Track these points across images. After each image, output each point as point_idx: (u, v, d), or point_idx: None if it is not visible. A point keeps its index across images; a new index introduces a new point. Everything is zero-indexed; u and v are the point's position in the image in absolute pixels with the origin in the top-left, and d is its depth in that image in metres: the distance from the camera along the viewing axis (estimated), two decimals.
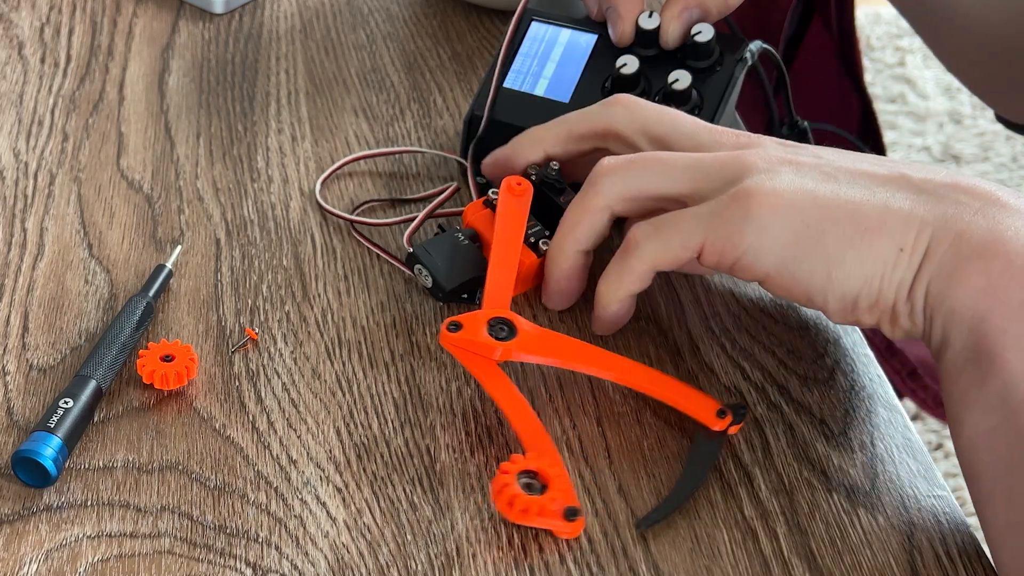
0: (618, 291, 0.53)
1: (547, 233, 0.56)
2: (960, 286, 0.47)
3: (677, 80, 0.60)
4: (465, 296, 0.57)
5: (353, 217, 0.61)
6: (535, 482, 0.48)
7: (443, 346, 0.52)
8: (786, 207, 0.49)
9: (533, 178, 0.57)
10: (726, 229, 0.49)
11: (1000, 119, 0.82)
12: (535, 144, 0.58)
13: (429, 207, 0.61)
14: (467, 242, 0.57)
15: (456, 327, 0.51)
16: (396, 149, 0.66)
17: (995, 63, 0.76)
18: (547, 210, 0.57)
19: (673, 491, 0.49)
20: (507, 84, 0.64)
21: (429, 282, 0.56)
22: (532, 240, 0.56)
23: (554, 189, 0.57)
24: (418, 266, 0.56)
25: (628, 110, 0.56)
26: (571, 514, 0.46)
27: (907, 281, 0.48)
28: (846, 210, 0.48)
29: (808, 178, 0.50)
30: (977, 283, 0.46)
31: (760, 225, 0.49)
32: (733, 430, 0.51)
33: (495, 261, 0.55)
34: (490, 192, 0.58)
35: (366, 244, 0.60)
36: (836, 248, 0.48)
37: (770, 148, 0.52)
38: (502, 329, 0.52)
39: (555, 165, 0.57)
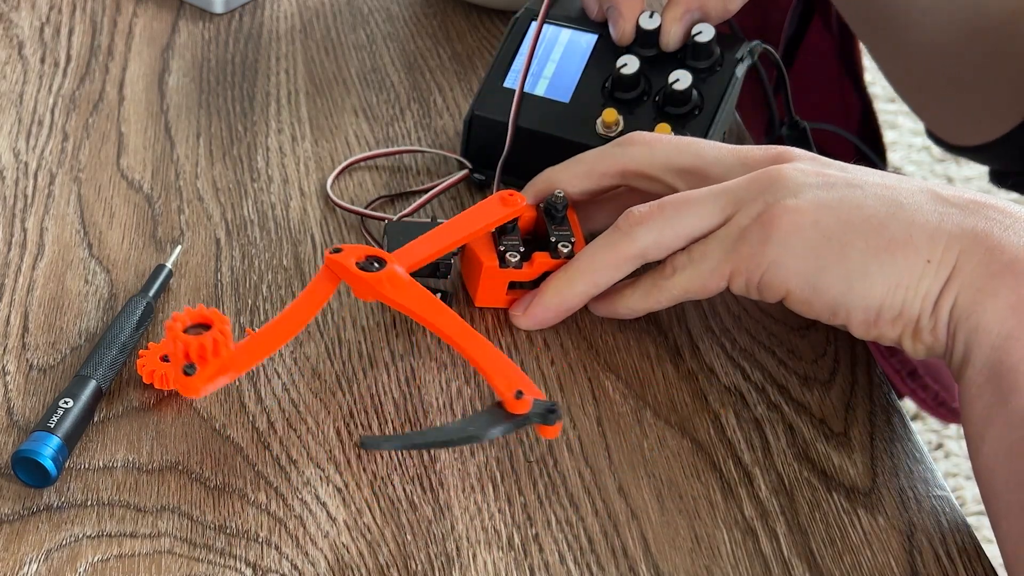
0: (640, 307, 0.54)
1: (521, 250, 0.55)
2: (988, 302, 0.46)
3: (678, 80, 0.60)
4: (440, 294, 0.56)
5: (366, 211, 0.61)
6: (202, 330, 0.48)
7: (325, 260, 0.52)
8: (809, 224, 0.49)
9: (542, 205, 0.57)
10: (749, 250, 0.49)
11: (931, 135, 0.82)
12: (550, 187, 0.57)
13: (437, 189, 0.61)
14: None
15: (337, 251, 0.52)
16: (397, 149, 0.66)
17: (935, 80, 0.77)
18: (542, 234, 0.57)
19: (425, 431, 0.49)
20: (507, 84, 0.64)
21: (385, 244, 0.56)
22: (501, 249, 0.55)
23: (552, 217, 0.56)
24: (386, 240, 0.56)
25: (647, 147, 0.55)
26: (188, 369, 0.47)
27: (933, 294, 0.47)
28: (871, 223, 0.48)
29: (832, 193, 0.49)
30: (1006, 300, 0.46)
31: (782, 242, 0.49)
32: (548, 434, 0.49)
33: (432, 233, 0.55)
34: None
35: (374, 243, 0.60)
36: (859, 260, 0.48)
37: (796, 164, 0.51)
38: (372, 264, 0.52)
39: (559, 192, 0.56)
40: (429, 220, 0.57)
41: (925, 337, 0.48)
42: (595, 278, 0.54)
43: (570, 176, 0.57)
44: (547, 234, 0.56)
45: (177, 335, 0.47)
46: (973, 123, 0.78)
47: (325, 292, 0.52)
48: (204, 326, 0.48)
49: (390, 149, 0.66)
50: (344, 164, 0.65)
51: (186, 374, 0.47)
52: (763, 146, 0.54)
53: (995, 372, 0.46)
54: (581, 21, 0.65)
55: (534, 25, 0.65)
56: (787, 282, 0.49)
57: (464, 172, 0.63)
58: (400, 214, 0.61)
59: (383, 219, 0.61)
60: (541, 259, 0.55)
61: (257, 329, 0.55)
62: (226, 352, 0.48)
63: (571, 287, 0.54)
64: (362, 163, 0.65)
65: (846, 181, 0.50)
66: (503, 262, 0.55)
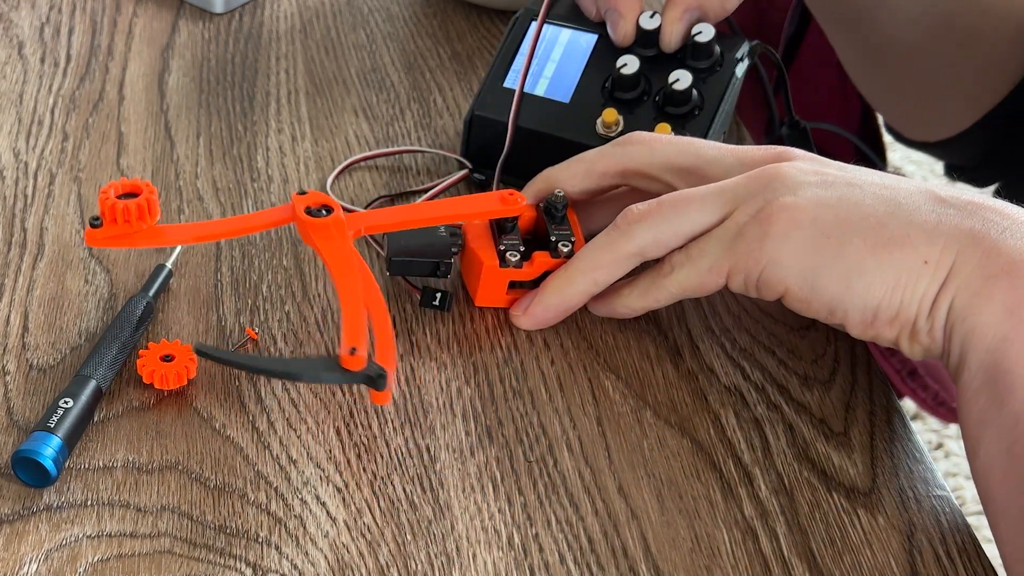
0: (639, 305, 0.54)
1: (521, 249, 0.55)
2: (985, 304, 0.46)
3: (678, 80, 0.60)
4: (436, 304, 0.56)
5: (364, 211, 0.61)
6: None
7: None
8: (807, 221, 0.49)
9: (541, 204, 0.57)
10: (747, 247, 0.50)
11: (890, 130, 0.83)
12: (550, 186, 0.57)
13: (436, 188, 0.62)
14: (443, 232, 0.56)
15: (303, 193, 0.54)
16: (397, 149, 0.66)
17: (900, 78, 0.77)
18: (541, 234, 0.57)
19: (255, 357, 0.52)
20: (508, 84, 0.64)
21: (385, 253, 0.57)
22: (502, 248, 0.55)
23: (552, 217, 0.56)
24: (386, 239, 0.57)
25: (647, 147, 0.55)
26: (94, 221, 0.51)
27: (930, 295, 0.47)
28: (869, 222, 0.48)
29: (831, 191, 0.49)
30: (1002, 303, 0.46)
31: (780, 239, 0.49)
32: (377, 399, 0.50)
33: (422, 205, 0.56)
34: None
35: (375, 246, 0.60)
36: (857, 258, 0.48)
37: (795, 163, 0.52)
38: (321, 211, 0.54)
39: (559, 192, 0.56)
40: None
41: (922, 339, 0.48)
42: (594, 276, 0.54)
43: (570, 175, 0.57)
44: (547, 234, 0.56)
45: (108, 197, 0.51)
46: (934, 120, 0.79)
47: (275, 218, 0.54)
48: (134, 195, 0.52)
49: (390, 149, 0.66)
50: (344, 164, 0.65)
51: (91, 226, 0.52)
52: (763, 146, 0.54)
53: (991, 375, 0.46)
54: (581, 21, 0.65)
55: (534, 25, 0.65)
56: (785, 279, 0.49)
57: (464, 172, 0.63)
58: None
59: None
60: (541, 259, 0.55)
61: (257, 329, 0.55)
62: (142, 223, 0.52)
63: (571, 286, 0.54)
64: (362, 163, 0.65)
65: (845, 180, 0.50)
66: (503, 261, 0.55)
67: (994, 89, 0.73)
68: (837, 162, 0.52)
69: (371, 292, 0.52)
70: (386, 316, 0.51)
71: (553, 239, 0.55)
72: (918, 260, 0.47)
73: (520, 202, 0.56)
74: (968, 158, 0.80)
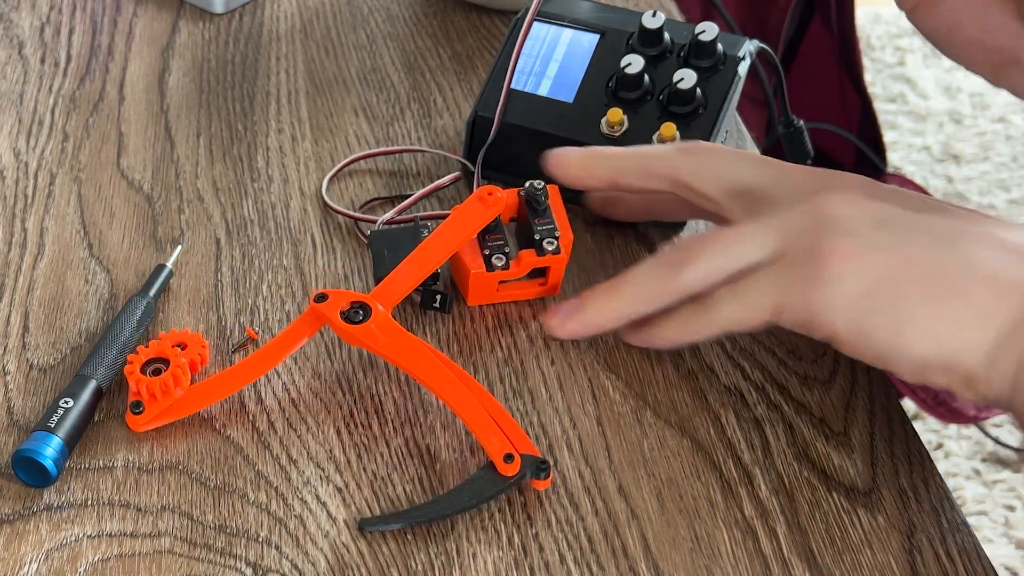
0: (678, 339, 0.53)
1: (506, 250, 0.55)
2: None
3: (682, 79, 0.60)
4: (436, 305, 0.56)
5: (357, 215, 0.61)
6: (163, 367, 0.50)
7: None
8: (863, 264, 0.47)
9: (522, 194, 0.56)
10: (800, 287, 0.48)
11: None
12: (608, 167, 0.56)
13: (425, 189, 0.61)
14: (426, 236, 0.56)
15: (322, 299, 0.52)
16: (398, 148, 0.66)
17: None
18: (526, 228, 0.57)
19: (423, 505, 0.48)
20: (511, 85, 0.64)
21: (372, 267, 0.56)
22: (487, 253, 0.55)
23: (535, 210, 0.56)
24: (370, 250, 0.56)
25: (710, 162, 0.54)
26: (135, 407, 0.50)
27: (988, 348, 0.45)
28: (925, 268, 0.47)
29: (888, 232, 0.48)
30: None
31: (834, 280, 0.47)
32: (539, 485, 0.49)
33: (416, 255, 0.54)
34: (521, 191, 0.56)
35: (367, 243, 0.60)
36: (908, 306, 0.46)
37: (850, 196, 0.50)
38: (358, 313, 0.52)
39: (539, 184, 0.56)
40: (412, 223, 0.57)
41: (980, 388, 0.46)
42: (636, 307, 0.52)
43: (620, 168, 0.55)
44: (529, 221, 0.55)
45: (133, 372, 0.50)
46: None
47: (304, 334, 0.53)
48: (164, 361, 0.51)
49: (389, 148, 0.66)
50: (340, 165, 0.64)
51: (133, 412, 0.50)
52: (819, 170, 0.52)
53: None
54: (582, 21, 0.65)
55: (535, 24, 0.65)
56: (834, 324, 0.48)
57: (454, 175, 0.63)
58: (381, 219, 0.60)
59: (374, 221, 0.60)
60: (528, 258, 0.55)
61: (257, 329, 0.55)
62: (176, 393, 0.50)
63: (612, 312, 0.53)
64: (363, 164, 0.65)
65: (903, 221, 0.48)
66: (489, 266, 0.55)
67: None
68: (894, 189, 0.51)
69: (465, 380, 0.51)
70: (496, 403, 0.51)
71: (538, 237, 0.55)
72: (974, 311, 0.46)
73: (500, 196, 0.55)
74: None
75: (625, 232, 0.61)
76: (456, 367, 0.52)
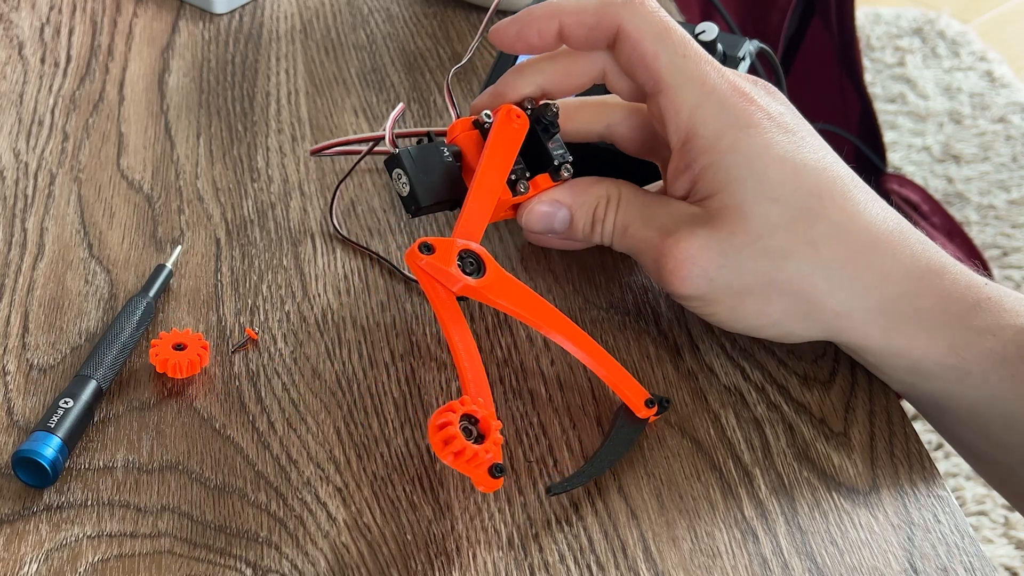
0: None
1: (527, 174, 0.54)
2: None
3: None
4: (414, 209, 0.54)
5: (364, 246, 0.61)
6: (474, 429, 0.46)
7: (407, 264, 0.50)
8: None
9: (529, 113, 0.55)
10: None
11: None
12: (529, 76, 0.54)
13: (385, 133, 0.59)
14: (451, 159, 0.54)
15: (428, 249, 0.49)
16: (380, 134, 0.66)
17: None
18: (532, 150, 0.55)
19: (590, 463, 0.49)
20: None
21: (406, 190, 0.53)
22: (512, 178, 0.54)
23: (546, 131, 0.54)
24: (398, 170, 0.53)
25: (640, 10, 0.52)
26: (497, 471, 0.45)
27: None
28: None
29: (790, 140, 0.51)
30: None
31: None
32: (653, 419, 0.52)
33: (477, 189, 0.52)
34: (483, 114, 0.54)
35: (371, 254, 0.60)
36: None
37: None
38: (471, 263, 0.50)
39: (555, 106, 0.54)
40: (426, 138, 0.55)
41: None
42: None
43: (550, 68, 0.54)
44: (534, 143, 0.54)
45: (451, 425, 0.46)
46: None
47: (453, 301, 0.50)
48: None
49: (385, 148, 0.66)
50: (330, 149, 0.64)
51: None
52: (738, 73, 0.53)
53: None
54: None
55: None
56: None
57: (400, 105, 0.61)
58: (387, 131, 0.58)
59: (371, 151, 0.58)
60: (544, 183, 0.54)
61: (257, 329, 0.55)
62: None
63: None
64: (362, 163, 0.65)
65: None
66: (515, 191, 0.54)
67: None
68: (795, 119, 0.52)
69: (579, 333, 0.52)
70: (603, 351, 0.52)
71: (556, 163, 0.54)
72: None
73: (524, 115, 0.54)
74: None
75: None
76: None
